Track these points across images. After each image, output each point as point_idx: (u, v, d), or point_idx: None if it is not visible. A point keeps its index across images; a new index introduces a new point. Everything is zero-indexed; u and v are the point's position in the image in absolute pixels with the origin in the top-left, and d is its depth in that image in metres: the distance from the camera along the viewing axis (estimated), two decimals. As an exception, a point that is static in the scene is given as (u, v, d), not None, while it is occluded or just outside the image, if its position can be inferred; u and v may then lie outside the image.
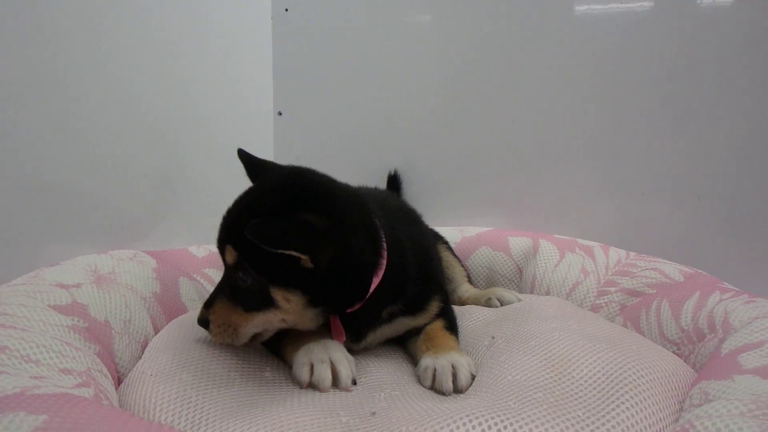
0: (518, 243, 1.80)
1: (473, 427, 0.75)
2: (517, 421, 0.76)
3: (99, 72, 1.60)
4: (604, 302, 1.45)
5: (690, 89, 1.75)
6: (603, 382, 0.87)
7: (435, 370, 1.05)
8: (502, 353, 1.05)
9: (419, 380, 1.07)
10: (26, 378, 0.73)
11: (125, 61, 1.71)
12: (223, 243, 1.00)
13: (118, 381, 1.05)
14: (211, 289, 1.61)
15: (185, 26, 1.98)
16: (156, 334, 1.24)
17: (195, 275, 1.61)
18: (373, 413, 0.85)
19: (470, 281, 1.73)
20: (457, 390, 1.01)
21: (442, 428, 0.76)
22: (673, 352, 1.09)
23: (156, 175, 1.90)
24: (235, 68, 2.38)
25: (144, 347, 1.18)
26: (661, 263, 1.44)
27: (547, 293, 1.61)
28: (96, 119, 1.67)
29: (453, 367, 1.04)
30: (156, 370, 0.98)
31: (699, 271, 1.35)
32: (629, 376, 0.87)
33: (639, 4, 1.79)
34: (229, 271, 1.01)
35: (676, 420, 0.81)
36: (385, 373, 1.09)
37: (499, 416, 0.77)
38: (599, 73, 1.85)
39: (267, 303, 0.97)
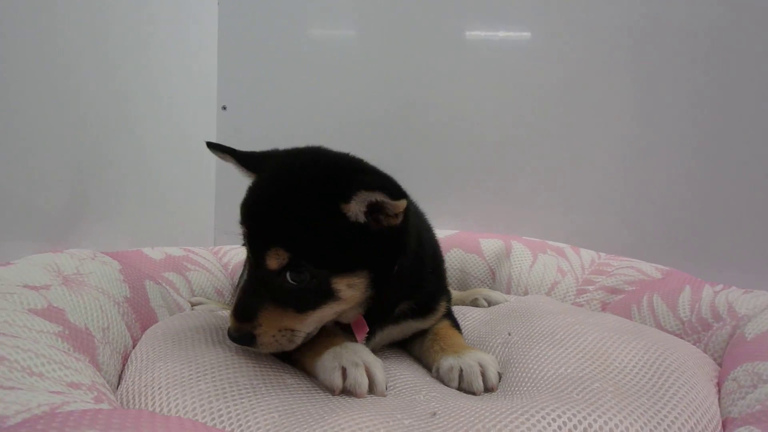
0: (490, 245, 1.82)
1: (553, 420, 0.73)
2: (595, 410, 0.74)
3: (31, 62, 1.37)
4: (585, 300, 1.51)
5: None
6: (648, 369, 0.88)
7: (461, 369, 1.01)
8: (527, 349, 1.04)
9: (442, 381, 1.03)
10: (45, 393, 0.58)
11: (57, 47, 1.48)
12: (264, 247, 0.88)
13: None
14: (175, 295, 1.45)
15: (123, 10, 1.78)
16: (134, 343, 1.08)
17: (158, 279, 1.43)
18: (434, 414, 0.79)
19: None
20: (488, 389, 0.98)
21: (522, 423, 0.72)
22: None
23: (91, 170, 1.68)
24: (176, 58, 2.19)
25: (124, 359, 1.01)
26: (636, 262, 1.53)
27: (526, 293, 1.64)
28: (23, 108, 1.43)
29: (480, 365, 1.01)
30: (165, 381, 0.84)
31: (672, 269, 1.45)
32: (671, 362, 0.90)
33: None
34: (271, 275, 0.89)
35: (717, 400, 0.84)
36: (408, 376, 1.03)
37: (572, 409, 0.75)
38: (569, 88, 1.94)
39: (326, 297, 0.90)
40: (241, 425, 0.73)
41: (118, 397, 0.85)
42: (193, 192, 2.40)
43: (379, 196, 0.86)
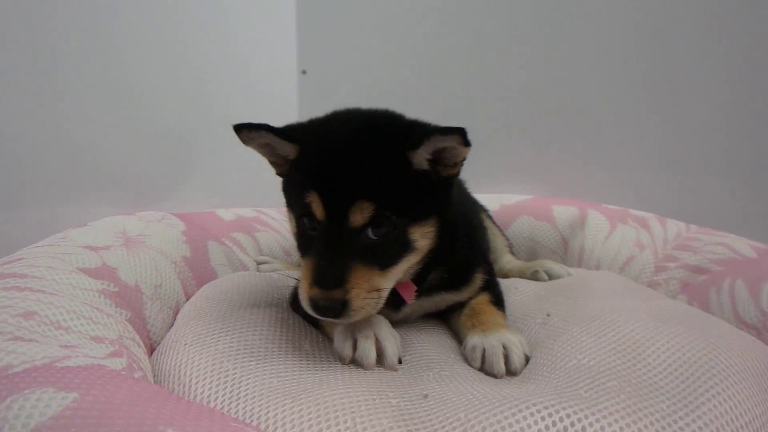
0: (563, 212, 1.68)
1: (542, 419, 0.67)
2: (592, 414, 0.67)
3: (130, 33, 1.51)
4: (663, 279, 1.34)
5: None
6: (686, 370, 0.77)
7: (484, 350, 0.96)
8: (561, 333, 0.96)
9: (466, 360, 0.99)
10: (56, 347, 0.67)
11: (147, 19, 1.60)
12: (347, 203, 0.86)
13: (151, 349, 0.99)
14: (241, 255, 1.56)
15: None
16: (187, 300, 1.18)
17: (224, 239, 1.54)
18: (425, 396, 0.77)
19: (512, 252, 1.63)
20: (511, 372, 0.92)
21: (506, 417, 0.68)
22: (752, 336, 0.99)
23: (177, 135, 1.82)
24: (256, 24, 2.26)
25: (176, 313, 1.12)
26: (729, 237, 1.32)
27: (598, 267, 1.50)
28: (122, 77, 1.59)
29: (504, 347, 0.95)
30: (191, 339, 0.92)
31: (772, 247, 1.23)
32: (716, 363, 0.77)
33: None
34: (354, 233, 0.87)
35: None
36: (431, 351, 1.01)
37: (571, 407, 0.69)
38: (658, 33, 1.68)
39: (405, 248, 0.90)
40: (240, 387, 0.78)
41: (159, 348, 0.95)
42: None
43: (451, 141, 0.87)
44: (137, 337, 0.91)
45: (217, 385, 0.79)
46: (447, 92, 2.06)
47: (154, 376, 0.87)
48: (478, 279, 1.16)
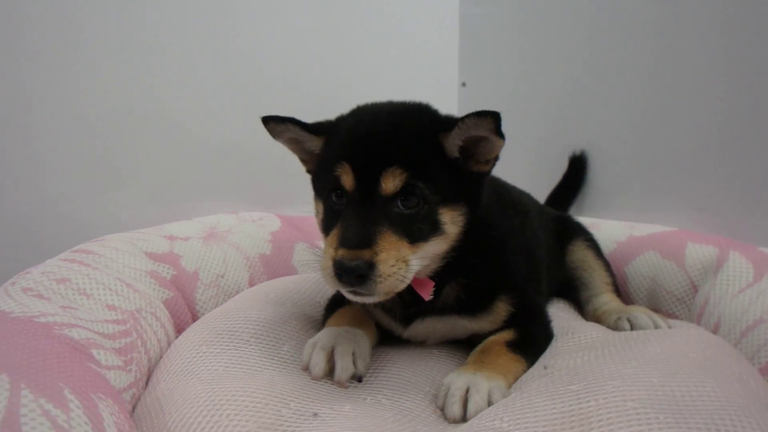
0: (698, 252, 1.32)
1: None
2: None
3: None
4: (792, 359, 0.95)
5: None
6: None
7: (448, 389, 0.87)
8: (529, 389, 0.80)
9: None
10: (57, 306, 0.90)
11: (302, 32, 1.87)
12: (380, 169, 0.86)
13: (194, 319, 1.20)
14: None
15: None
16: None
17: (319, 242, 1.69)
18: (315, 414, 0.76)
19: (617, 292, 1.36)
20: (465, 418, 0.82)
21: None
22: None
23: None
24: (420, 36, 2.36)
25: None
26: None
27: (716, 328, 1.14)
28: (270, 87, 1.88)
29: (469, 388, 0.85)
30: (203, 338, 1.01)
31: None
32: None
33: None
34: (384, 201, 0.86)
35: None
36: (410, 376, 0.96)
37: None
38: None
39: (434, 228, 0.89)
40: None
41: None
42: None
43: (484, 127, 0.86)
44: (166, 314, 1.11)
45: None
46: (607, 104, 1.81)
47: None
48: (501, 308, 1.04)
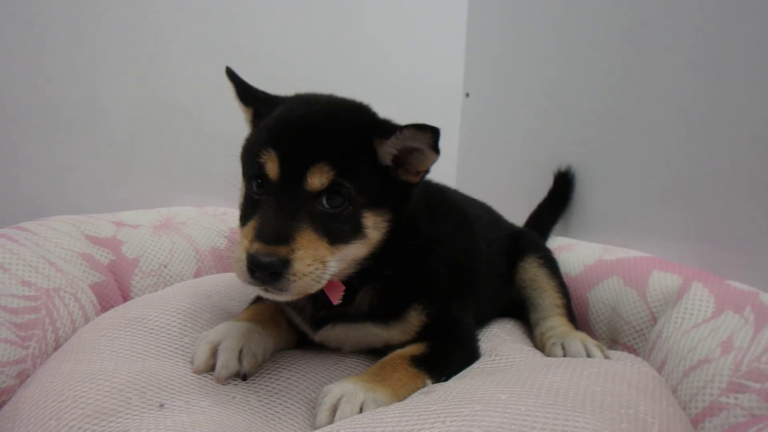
0: (662, 281, 1.21)
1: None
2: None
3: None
4: (731, 403, 0.84)
5: None
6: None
7: (324, 397, 0.83)
8: (401, 408, 0.74)
9: None
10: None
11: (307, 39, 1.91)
12: (307, 164, 0.83)
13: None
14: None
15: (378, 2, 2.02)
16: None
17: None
18: (161, 405, 0.74)
19: (570, 316, 1.26)
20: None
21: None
22: None
23: None
24: (427, 45, 2.35)
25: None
26: None
27: (662, 365, 1.03)
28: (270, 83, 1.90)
29: (343, 398, 0.80)
30: (119, 321, 1.03)
31: None
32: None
33: None
34: (308, 197, 0.83)
35: None
36: (300, 382, 0.92)
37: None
38: None
39: (356, 232, 0.87)
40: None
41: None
42: (432, 177, 2.54)
43: (422, 141, 0.85)
44: (90, 297, 1.13)
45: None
46: (615, 117, 1.71)
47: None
48: (414, 317, 0.99)
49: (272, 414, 0.81)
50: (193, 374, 0.87)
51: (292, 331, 1.06)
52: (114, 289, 1.20)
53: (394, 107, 2.38)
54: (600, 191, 1.72)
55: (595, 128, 1.78)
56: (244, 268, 0.79)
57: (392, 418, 0.68)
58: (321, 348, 1.06)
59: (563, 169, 1.78)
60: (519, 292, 1.30)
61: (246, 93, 0.99)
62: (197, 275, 1.39)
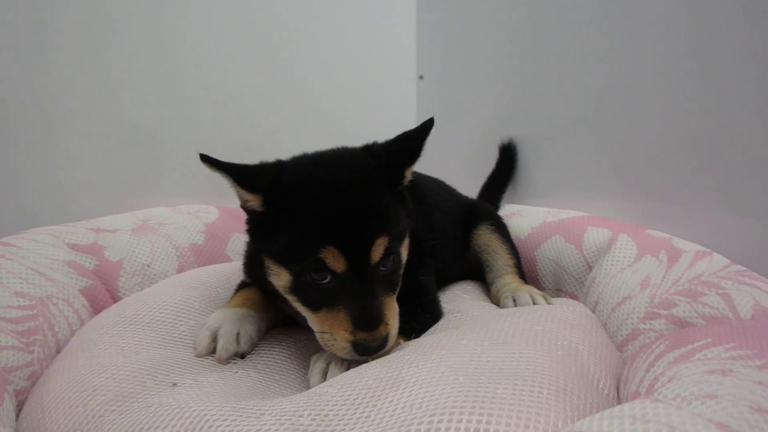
0: (595, 235, 1.39)
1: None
2: None
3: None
4: (647, 329, 1.02)
5: None
6: (403, 420, 0.66)
7: (315, 363, 0.96)
8: (380, 362, 0.88)
9: None
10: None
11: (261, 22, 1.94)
12: (369, 242, 0.88)
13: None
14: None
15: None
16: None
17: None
18: (174, 384, 0.85)
19: (521, 274, 1.43)
20: None
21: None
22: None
23: (286, 138, 2.10)
24: (377, 29, 2.40)
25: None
26: (752, 287, 0.93)
27: (595, 305, 1.22)
28: (228, 78, 1.93)
29: (330, 363, 0.93)
30: (114, 320, 1.13)
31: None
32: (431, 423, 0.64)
33: None
34: (373, 269, 0.90)
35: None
36: (293, 354, 1.05)
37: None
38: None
39: (399, 267, 0.98)
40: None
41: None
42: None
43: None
44: (82, 302, 1.21)
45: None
46: (567, 96, 1.86)
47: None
48: None
49: (271, 381, 0.93)
50: (196, 358, 0.98)
51: (278, 312, 1.18)
52: (102, 291, 1.28)
53: (350, 92, 2.47)
54: (544, 161, 1.89)
55: (538, 105, 1.93)
56: (349, 350, 0.87)
57: (374, 369, 0.82)
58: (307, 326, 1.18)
59: (506, 142, 1.93)
60: (476, 256, 1.46)
61: (249, 179, 0.92)
62: (180, 271, 1.48)
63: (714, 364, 0.65)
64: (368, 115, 2.44)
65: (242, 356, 1.02)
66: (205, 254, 1.58)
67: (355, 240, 0.88)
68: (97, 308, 1.25)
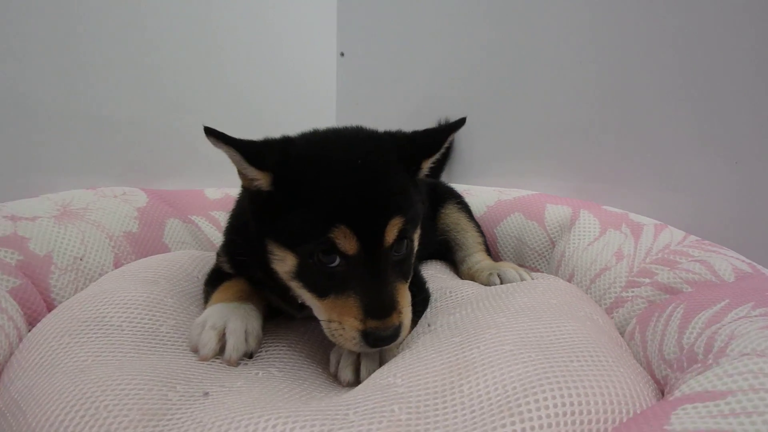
0: (555, 212, 1.48)
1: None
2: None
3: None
4: (631, 296, 1.12)
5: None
6: (500, 402, 0.63)
7: (340, 356, 0.88)
8: (423, 348, 0.84)
9: None
10: None
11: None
12: (384, 222, 0.82)
13: (49, 309, 1.05)
14: (212, 230, 1.61)
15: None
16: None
17: (194, 216, 1.59)
18: (206, 394, 0.72)
19: (488, 251, 1.47)
20: (359, 381, 0.84)
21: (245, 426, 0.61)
22: (663, 378, 0.78)
23: (206, 113, 1.90)
24: (298, 6, 2.30)
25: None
26: (718, 254, 1.06)
27: (571, 277, 1.30)
28: (149, 55, 1.69)
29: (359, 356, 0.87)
30: (72, 326, 0.91)
31: (763, 270, 0.96)
32: (537, 401, 0.62)
33: None
34: (386, 252, 0.83)
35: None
36: (301, 348, 0.95)
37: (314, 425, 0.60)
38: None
39: (412, 255, 0.91)
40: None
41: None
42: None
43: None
44: (10, 304, 0.96)
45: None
46: (481, 76, 1.90)
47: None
48: None
49: (297, 379, 0.84)
50: (200, 362, 0.84)
51: (265, 304, 1.07)
52: (33, 292, 1.04)
53: (267, 69, 2.34)
54: (480, 140, 1.96)
55: (469, 85, 1.99)
56: (358, 340, 0.80)
57: (431, 356, 0.78)
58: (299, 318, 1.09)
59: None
60: (443, 235, 1.46)
61: (258, 156, 0.84)
62: (116, 263, 1.26)
63: (761, 321, 0.72)
64: (287, 93, 2.33)
65: (250, 356, 0.90)
66: (142, 243, 1.36)
67: (368, 219, 0.81)
68: (30, 314, 1.02)
